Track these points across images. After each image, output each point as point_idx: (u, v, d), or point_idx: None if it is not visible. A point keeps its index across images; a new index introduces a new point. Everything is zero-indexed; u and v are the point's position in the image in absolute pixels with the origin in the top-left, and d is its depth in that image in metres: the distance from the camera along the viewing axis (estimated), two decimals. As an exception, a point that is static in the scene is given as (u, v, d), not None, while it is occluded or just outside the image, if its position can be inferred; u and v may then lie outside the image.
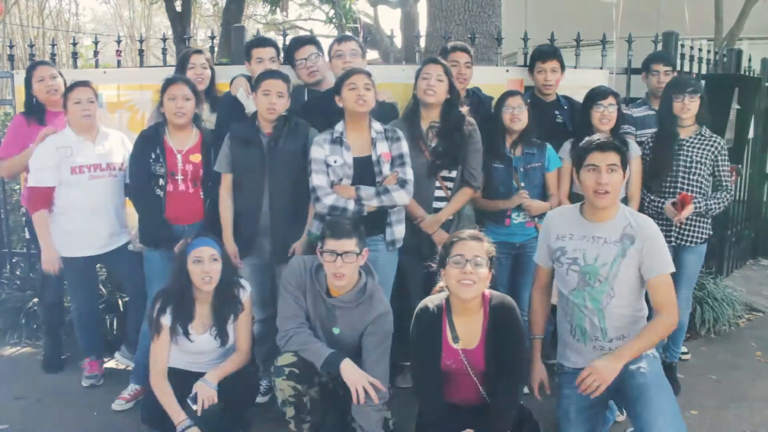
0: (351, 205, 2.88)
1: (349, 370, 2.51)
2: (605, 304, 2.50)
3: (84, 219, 3.22)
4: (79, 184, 3.19)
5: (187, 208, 3.14)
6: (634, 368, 2.40)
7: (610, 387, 2.37)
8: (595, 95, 3.24)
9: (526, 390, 3.26)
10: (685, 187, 3.20)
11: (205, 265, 2.68)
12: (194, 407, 2.60)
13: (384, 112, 3.21)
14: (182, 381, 2.72)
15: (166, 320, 2.74)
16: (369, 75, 2.94)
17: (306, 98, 3.43)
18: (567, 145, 3.35)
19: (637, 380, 2.37)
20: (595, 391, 2.32)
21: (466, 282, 2.35)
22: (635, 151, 3.29)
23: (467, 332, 2.47)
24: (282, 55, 3.60)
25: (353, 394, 2.48)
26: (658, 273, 2.44)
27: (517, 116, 3.19)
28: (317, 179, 2.91)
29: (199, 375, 2.74)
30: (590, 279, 2.51)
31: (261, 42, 3.48)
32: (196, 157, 3.13)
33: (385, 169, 2.94)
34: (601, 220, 2.52)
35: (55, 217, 3.24)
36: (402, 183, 2.92)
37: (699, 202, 3.16)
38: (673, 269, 2.48)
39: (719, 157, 3.21)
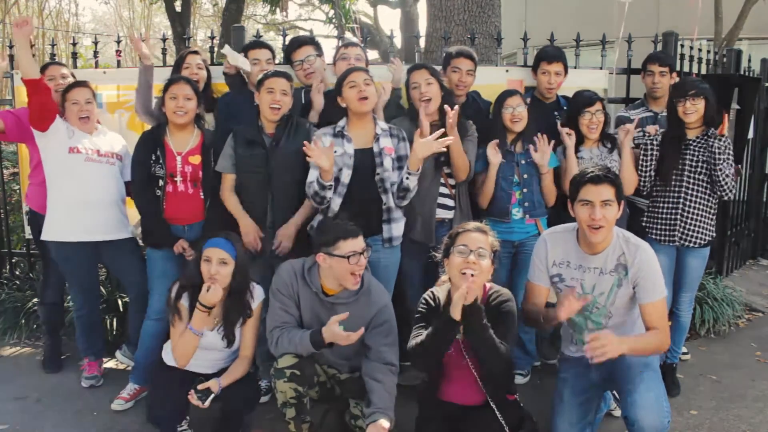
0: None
1: (330, 333, 2.48)
2: (605, 324, 2.57)
3: (78, 201, 3.19)
4: (75, 164, 3.17)
5: (187, 208, 3.13)
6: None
7: (604, 375, 2.46)
8: (582, 103, 3.24)
9: (522, 380, 3.30)
10: (690, 186, 3.17)
11: (212, 267, 2.68)
12: (205, 403, 2.60)
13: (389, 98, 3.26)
14: (185, 382, 2.70)
15: (184, 301, 2.75)
16: (367, 72, 2.95)
17: (304, 100, 3.43)
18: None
19: (626, 361, 2.40)
20: (600, 356, 2.22)
21: (468, 272, 2.36)
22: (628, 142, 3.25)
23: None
24: (277, 58, 3.62)
25: (345, 342, 2.46)
26: (651, 300, 2.45)
27: (518, 116, 3.21)
28: (314, 175, 2.85)
29: (200, 375, 2.74)
30: (589, 306, 2.56)
31: (256, 44, 3.52)
32: (196, 159, 3.12)
33: (386, 161, 2.93)
34: (596, 251, 2.53)
35: (50, 199, 3.23)
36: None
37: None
38: (665, 294, 2.49)
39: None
